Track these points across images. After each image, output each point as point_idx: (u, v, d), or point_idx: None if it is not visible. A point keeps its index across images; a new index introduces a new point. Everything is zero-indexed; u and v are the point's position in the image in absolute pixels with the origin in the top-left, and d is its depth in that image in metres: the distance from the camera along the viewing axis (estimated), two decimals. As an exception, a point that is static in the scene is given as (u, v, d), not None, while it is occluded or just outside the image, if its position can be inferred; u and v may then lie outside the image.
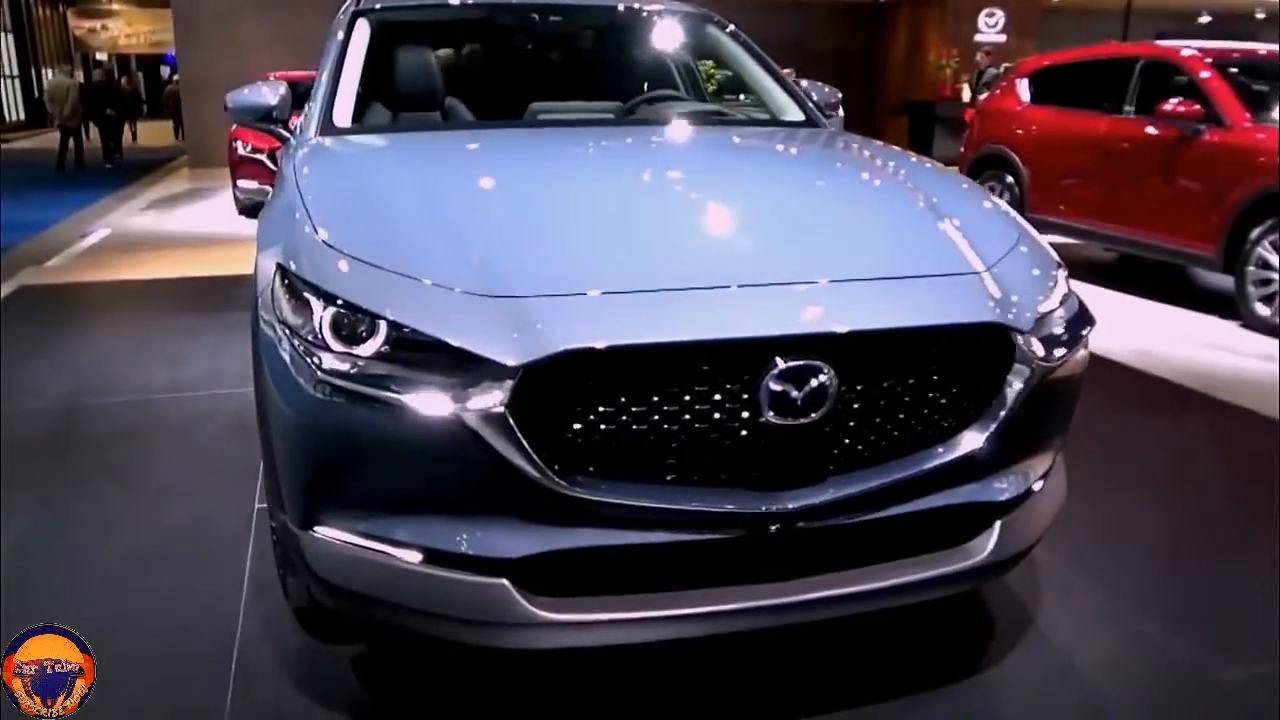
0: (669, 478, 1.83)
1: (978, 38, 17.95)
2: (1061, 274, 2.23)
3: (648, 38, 3.79)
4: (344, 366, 1.83)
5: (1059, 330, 2.08)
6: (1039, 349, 1.99)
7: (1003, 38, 18.31)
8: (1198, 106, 6.38)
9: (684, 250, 2.06)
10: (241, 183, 10.05)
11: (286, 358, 1.92)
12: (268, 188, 9.92)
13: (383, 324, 1.84)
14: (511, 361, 1.72)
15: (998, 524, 2.07)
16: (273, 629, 2.46)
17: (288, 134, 3.17)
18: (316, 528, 1.95)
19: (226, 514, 3.09)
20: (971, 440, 1.96)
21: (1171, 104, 6.48)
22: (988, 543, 2.06)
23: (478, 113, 3.28)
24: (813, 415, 1.81)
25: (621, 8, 3.70)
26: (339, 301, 1.87)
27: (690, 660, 2.27)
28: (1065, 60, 8.21)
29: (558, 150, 2.86)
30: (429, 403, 1.76)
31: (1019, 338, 1.96)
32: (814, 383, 1.79)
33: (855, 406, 1.87)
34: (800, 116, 3.30)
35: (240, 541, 2.91)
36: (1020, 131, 8.05)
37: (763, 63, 3.52)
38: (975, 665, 2.34)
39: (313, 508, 1.95)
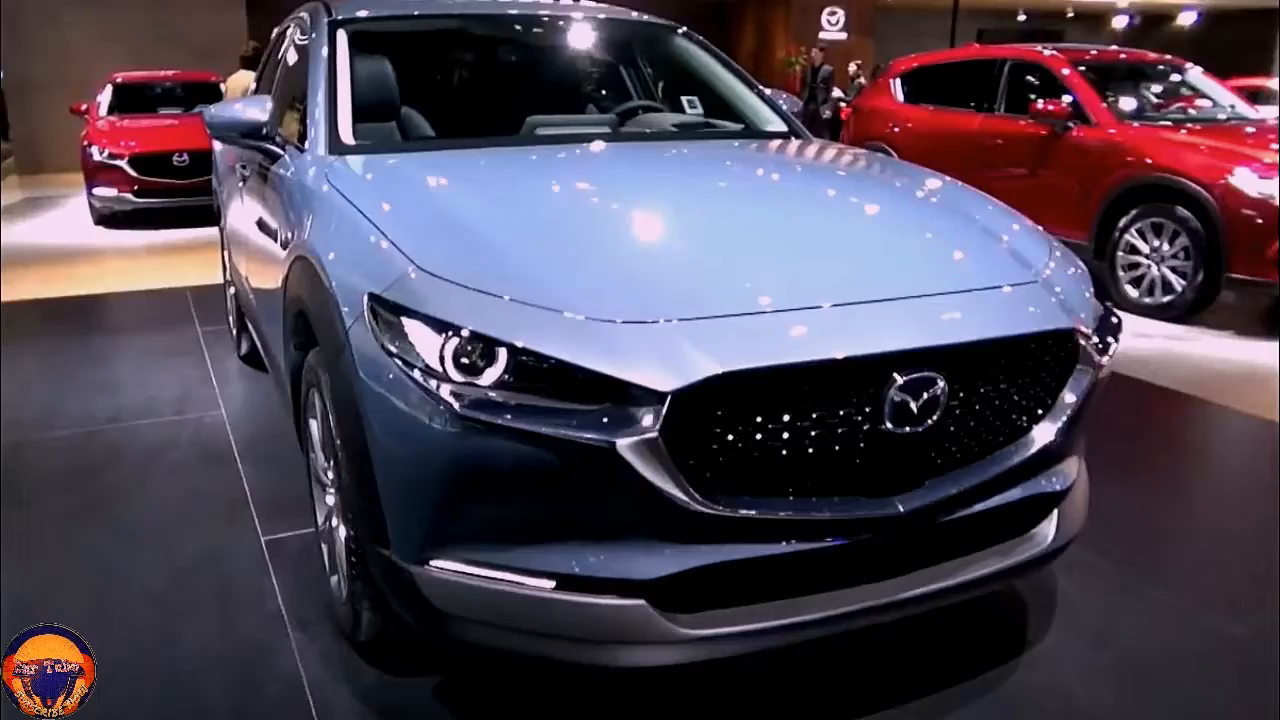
0: (791, 489, 1.92)
1: (822, 35, 18.69)
2: (1089, 277, 2.44)
3: (621, 48, 3.84)
4: (467, 397, 1.83)
5: (1102, 330, 2.27)
6: (1097, 349, 2.18)
7: (844, 35, 19.15)
8: (1066, 105, 6.92)
9: (792, 268, 2.13)
10: (98, 190, 9.47)
11: (398, 392, 1.90)
12: (127, 195, 9.41)
13: (503, 351, 1.84)
14: (664, 387, 1.76)
15: (1055, 512, 2.26)
16: (336, 666, 2.40)
17: (278, 149, 3.04)
18: (432, 561, 1.94)
19: (232, 548, 2.97)
20: (1044, 436, 2.13)
21: (1042, 103, 7.01)
22: (1049, 529, 2.24)
23: (473, 127, 3.25)
24: (927, 422, 1.93)
25: (599, 18, 3.72)
26: (462, 331, 1.86)
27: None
28: (935, 61, 8.71)
29: (612, 167, 2.89)
30: (574, 432, 1.78)
31: (1083, 340, 2.15)
32: (928, 393, 1.91)
33: (956, 412, 2.01)
34: (782, 127, 3.42)
35: (259, 576, 2.81)
36: (897, 129, 8.48)
37: (737, 74, 3.63)
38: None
39: (430, 541, 1.94)
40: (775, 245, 2.26)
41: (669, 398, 1.76)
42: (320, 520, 2.60)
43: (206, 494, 3.36)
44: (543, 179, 2.71)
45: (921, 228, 2.50)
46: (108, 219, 9.64)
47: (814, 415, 1.88)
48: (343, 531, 2.33)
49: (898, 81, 8.68)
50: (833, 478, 1.94)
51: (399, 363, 1.90)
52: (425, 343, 1.89)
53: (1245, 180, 5.91)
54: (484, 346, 1.85)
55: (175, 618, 2.62)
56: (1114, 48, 8.74)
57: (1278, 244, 5.78)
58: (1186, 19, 21.36)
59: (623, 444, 1.77)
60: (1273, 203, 5.81)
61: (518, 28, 3.73)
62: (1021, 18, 21.73)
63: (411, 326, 1.92)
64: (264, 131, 3.01)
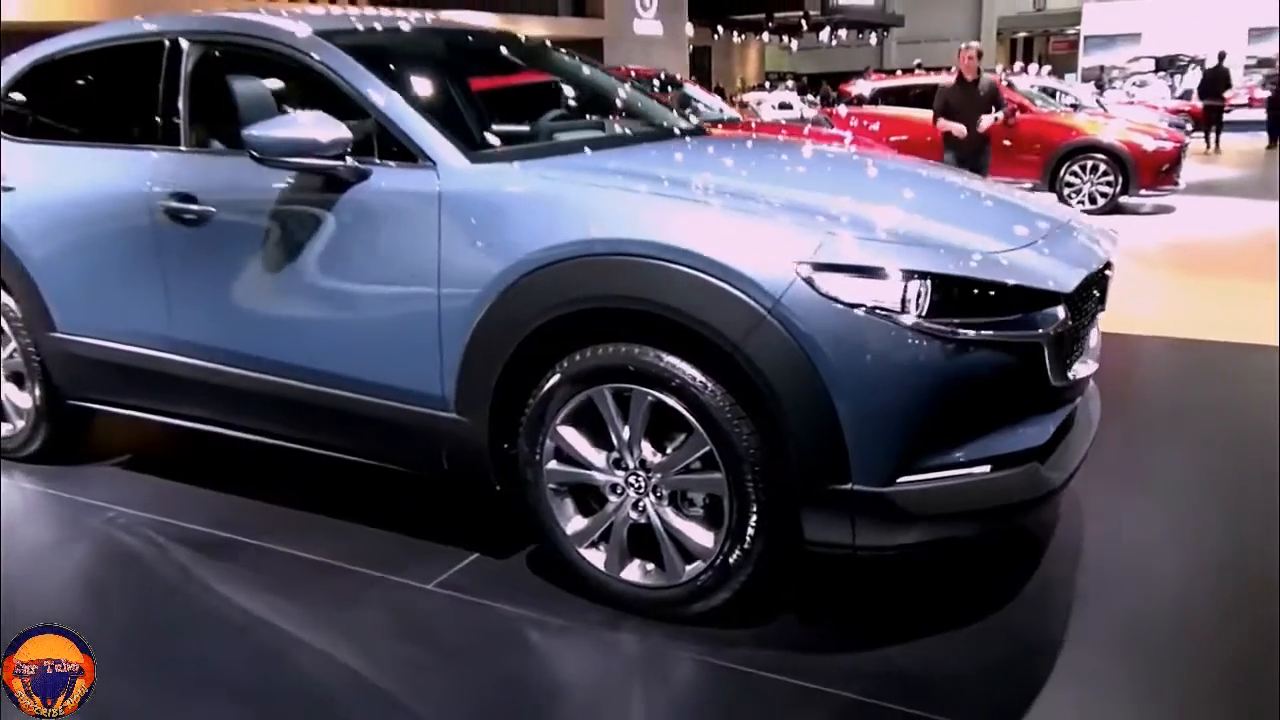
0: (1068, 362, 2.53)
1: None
2: None
3: (537, 65, 4.07)
4: (934, 324, 2.22)
5: None
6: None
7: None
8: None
9: (979, 217, 2.83)
10: None
11: (868, 337, 2.21)
12: None
13: (929, 284, 2.24)
14: (1066, 290, 2.37)
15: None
16: (704, 638, 2.49)
17: (363, 169, 2.76)
18: (899, 479, 2.27)
19: (413, 604, 2.73)
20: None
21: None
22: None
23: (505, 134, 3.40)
24: (1092, 312, 2.69)
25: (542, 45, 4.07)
26: (915, 274, 2.24)
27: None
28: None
29: (771, 155, 3.46)
30: (1022, 334, 2.30)
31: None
32: (1097, 290, 2.69)
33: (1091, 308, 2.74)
34: (692, 125, 3.90)
35: (486, 610, 2.68)
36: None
37: (641, 89, 4.11)
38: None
39: (902, 459, 2.27)
40: (946, 203, 2.96)
41: (1064, 299, 2.37)
42: (572, 530, 2.63)
43: (283, 574, 2.92)
44: (757, 166, 3.21)
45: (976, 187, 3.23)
46: None
47: (1078, 308, 2.52)
48: (666, 511, 2.50)
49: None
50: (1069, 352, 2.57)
51: (863, 313, 2.21)
52: (881, 289, 2.23)
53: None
54: (919, 282, 2.24)
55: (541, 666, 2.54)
56: (648, 68, 10.42)
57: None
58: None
59: (1044, 339, 2.33)
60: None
61: (478, 44, 3.92)
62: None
63: (861, 280, 2.24)
64: (343, 152, 2.72)
